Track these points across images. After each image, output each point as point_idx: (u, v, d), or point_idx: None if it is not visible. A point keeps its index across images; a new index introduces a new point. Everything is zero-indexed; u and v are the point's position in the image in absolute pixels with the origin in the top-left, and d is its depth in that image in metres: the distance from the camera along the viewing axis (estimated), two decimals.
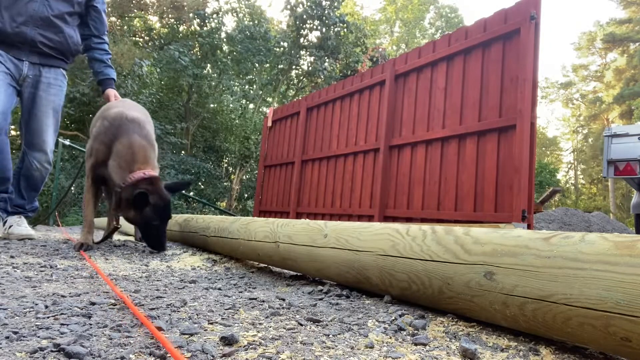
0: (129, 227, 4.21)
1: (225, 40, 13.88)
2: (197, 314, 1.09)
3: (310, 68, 13.93)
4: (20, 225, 2.85)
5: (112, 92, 3.05)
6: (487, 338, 0.99)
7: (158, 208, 2.27)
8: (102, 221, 6.59)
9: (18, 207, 2.92)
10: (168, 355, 0.76)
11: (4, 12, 2.57)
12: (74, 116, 11.59)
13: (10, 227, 2.81)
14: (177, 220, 3.38)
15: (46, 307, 1.08)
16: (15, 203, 2.91)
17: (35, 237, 2.90)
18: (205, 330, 0.94)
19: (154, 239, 2.36)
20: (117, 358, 0.73)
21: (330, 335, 0.94)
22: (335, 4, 12.95)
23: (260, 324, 1.02)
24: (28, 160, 2.82)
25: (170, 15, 13.36)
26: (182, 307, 1.17)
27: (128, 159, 2.31)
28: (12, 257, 1.99)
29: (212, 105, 14.78)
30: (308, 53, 13.88)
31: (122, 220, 2.88)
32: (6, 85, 2.60)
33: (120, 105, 2.65)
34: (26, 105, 2.78)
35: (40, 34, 2.68)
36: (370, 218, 4.76)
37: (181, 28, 14.02)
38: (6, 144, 2.71)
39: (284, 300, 1.32)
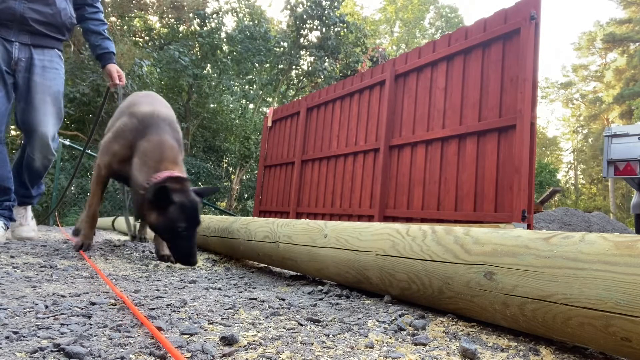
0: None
1: (225, 40, 13.87)
2: (197, 314, 1.09)
3: (310, 68, 13.93)
4: (23, 225, 2.78)
5: (113, 67, 2.81)
6: (487, 338, 0.99)
7: (185, 209, 1.86)
8: (103, 221, 6.59)
9: (24, 197, 2.76)
10: (168, 355, 0.76)
11: None
12: (74, 116, 11.58)
13: (15, 227, 2.76)
14: None
15: (46, 307, 1.08)
16: (20, 193, 2.74)
17: (36, 239, 2.82)
18: (205, 330, 0.94)
19: (182, 248, 1.87)
20: (117, 358, 0.73)
21: (330, 335, 0.94)
22: (335, 4, 12.94)
23: (260, 324, 1.02)
24: (29, 154, 2.59)
25: (170, 15, 13.36)
26: (182, 307, 1.17)
27: (156, 158, 2.01)
28: (12, 257, 1.99)
29: (212, 105, 14.78)
30: (308, 53, 13.88)
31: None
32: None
33: (149, 101, 2.36)
34: (21, 93, 2.51)
35: (30, 8, 2.43)
36: (370, 218, 4.76)
37: (181, 28, 14.01)
38: (4, 153, 2.55)
39: (284, 300, 1.32)
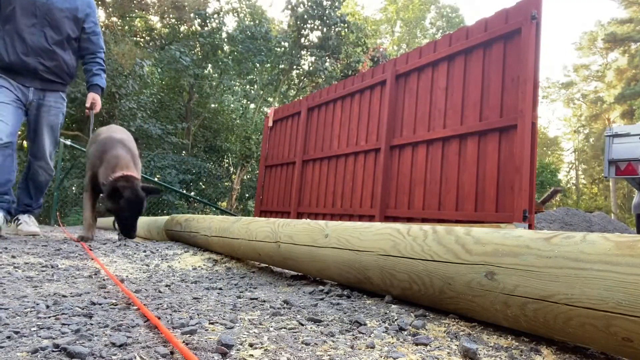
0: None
1: (226, 40, 13.88)
2: (197, 314, 1.09)
3: (311, 68, 13.93)
4: (28, 224, 3.31)
5: (90, 95, 3.41)
6: (488, 338, 0.99)
7: (130, 201, 2.70)
8: (104, 221, 6.61)
9: (27, 205, 3.35)
10: (169, 354, 0.76)
11: (9, 46, 2.99)
12: (75, 116, 11.60)
13: (20, 224, 3.28)
14: (178, 220, 3.38)
15: (47, 307, 1.08)
16: (24, 202, 3.34)
17: (40, 234, 3.33)
18: (206, 330, 0.94)
19: (125, 228, 2.83)
20: (118, 358, 0.74)
21: (331, 335, 0.94)
22: (336, 3, 12.94)
23: (261, 324, 1.02)
24: (33, 168, 3.31)
25: (171, 16, 13.36)
26: (183, 307, 1.17)
27: (113, 164, 2.81)
28: (13, 257, 2.00)
29: (213, 105, 14.79)
30: (309, 53, 13.88)
31: None
32: (16, 108, 3.03)
33: (107, 130, 3.21)
34: (31, 125, 3.25)
35: (40, 63, 3.08)
36: (371, 218, 4.76)
37: (182, 28, 14.02)
38: (13, 157, 3.06)
39: (285, 300, 1.32)
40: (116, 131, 3.22)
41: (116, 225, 3.25)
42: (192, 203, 12.57)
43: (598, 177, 31.46)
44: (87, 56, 3.41)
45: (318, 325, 1.04)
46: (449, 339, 0.95)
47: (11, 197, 3.14)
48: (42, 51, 3.08)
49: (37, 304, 1.09)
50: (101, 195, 3.42)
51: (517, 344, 0.95)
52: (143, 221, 4.71)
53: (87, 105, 3.44)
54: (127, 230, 2.83)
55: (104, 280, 1.57)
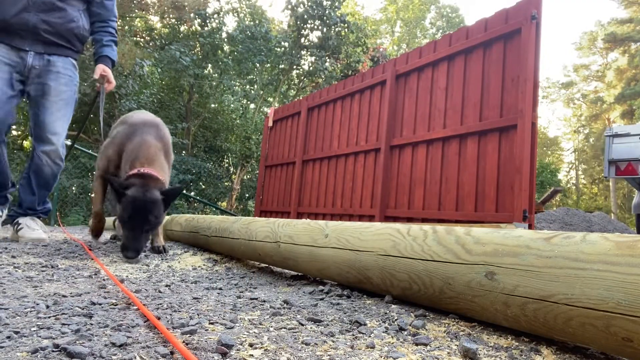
0: None
1: (226, 40, 13.87)
2: (197, 314, 1.09)
3: (311, 68, 13.93)
4: (31, 227, 2.71)
5: (100, 66, 2.79)
6: (488, 338, 0.99)
7: (131, 205, 2.02)
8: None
9: (29, 208, 2.77)
10: (169, 354, 0.76)
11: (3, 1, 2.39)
12: (75, 116, 11.58)
13: (21, 229, 2.67)
14: (178, 220, 3.38)
15: (47, 307, 1.08)
16: (27, 203, 2.75)
17: (47, 240, 2.72)
18: (206, 330, 0.94)
19: (124, 239, 2.06)
20: (118, 358, 0.74)
21: (331, 335, 0.94)
22: (336, 3, 12.93)
23: (261, 324, 1.02)
24: (37, 156, 2.63)
25: (171, 16, 13.36)
26: (183, 307, 1.17)
27: (134, 155, 2.24)
28: (13, 257, 2.00)
29: (213, 105, 14.78)
30: (309, 53, 13.87)
31: None
32: (3, 92, 2.45)
33: (140, 113, 2.72)
34: (34, 98, 2.59)
35: (43, 20, 2.49)
36: (371, 218, 4.76)
37: (182, 28, 14.02)
38: (1, 150, 2.62)
39: (285, 300, 1.32)
40: (149, 114, 2.68)
41: (117, 224, 3.01)
42: (192, 203, 12.58)
43: (598, 177, 31.45)
44: (97, 24, 2.82)
45: (318, 325, 1.04)
46: (449, 339, 0.96)
47: (7, 191, 2.70)
48: (45, 5, 2.47)
49: (37, 304, 1.09)
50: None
51: (517, 344, 0.95)
52: None
53: (96, 76, 2.79)
54: (123, 243, 2.08)
55: (104, 280, 1.57)
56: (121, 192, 2.05)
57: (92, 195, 2.62)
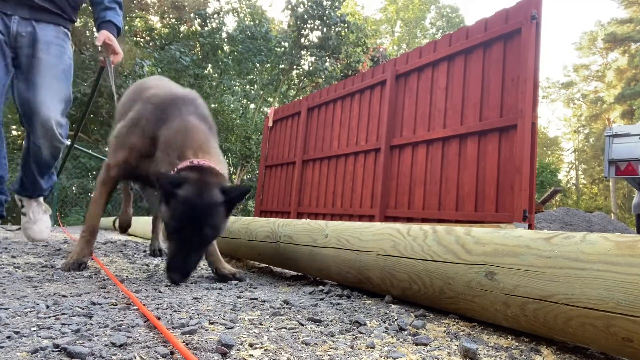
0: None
1: (226, 40, 13.88)
2: (197, 314, 1.09)
3: (311, 68, 13.93)
4: (35, 223, 2.50)
5: (103, 33, 2.34)
6: (488, 338, 0.99)
7: (184, 210, 1.45)
8: (103, 221, 6.60)
9: (33, 189, 2.51)
10: (169, 354, 0.76)
11: None
12: (75, 116, 11.58)
13: (27, 227, 2.51)
14: None
15: (47, 307, 1.08)
16: (29, 186, 2.49)
17: (47, 239, 2.57)
18: (206, 330, 0.94)
19: (170, 255, 1.48)
20: (118, 358, 0.74)
21: (331, 335, 0.94)
22: (336, 3, 12.94)
23: (261, 324, 1.02)
24: (33, 143, 2.26)
25: (171, 16, 13.37)
26: (183, 307, 1.17)
27: (178, 146, 1.62)
28: (13, 257, 2.00)
29: (213, 105, 14.77)
30: (309, 53, 13.88)
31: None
32: None
33: (160, 82, 2.07)
34: (22, 72, 2.22)
35: None
36: (371, 218, 4.75)
37: (182, 28, 14.02)
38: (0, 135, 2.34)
39: (285, 300, 1.32)
40: (177, 86, 2.05)
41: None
42: None
43: (598, 177, 31.44)
44: None
45: (318, 325, 1.04)
46: (449, 339, 0.96)
47: (5, 197, 2.46)
48: None
49: (37, 304, 1.09)
50: (145, 194, 2.46)
51: (517, 344, 0.95)
52: (142, 222, 4.70)
53: (99, 43, 2.32)
54: (170, 261, 1.48)
55: (104, 280, 1.57)
56: (171, 191, 1.46)
57: (91, 204, 1.92)
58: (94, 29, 2.51)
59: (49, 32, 2.27)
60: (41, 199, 2.61)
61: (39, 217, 2.55)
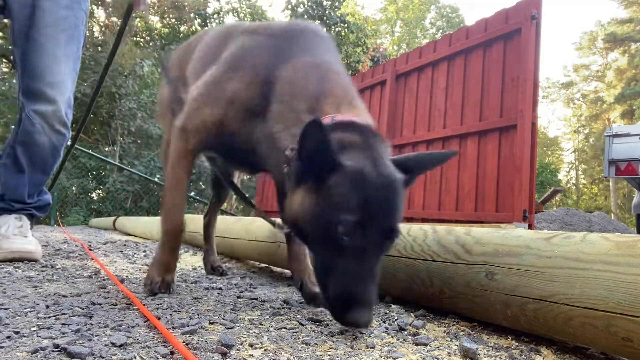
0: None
1: None
2: (197, 314, 1.09)
3: None
4: (15, 236, 1.78)
5: None
6: (488, 338, 0.99)
7: (363, 185, 0.89)
8: (103, 221, 6.56)
9: (15, 200, 1.82)
10: (169, 354, 0.76)
11: None
12: (75, 116, 11.59)
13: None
14: None
15: (47, 307, 1.08)
16: (11, 192, 1.82)
17: (37, 256, 1.84)
18: (206, 330, 0.94)
19: (339, 277, 0.90)
20: (118, 358, 0.74)
21: (332, 335, 0.94)
22: (336, 3, 12.95)
23: (261, 324, 1.02)
24: (28, 119, 1.72)
25: (171, 16, 13.38)
26: (183, 307, 1.17)
27: (309, 95, 1.08)
28: None
29: None
30: None
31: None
32: None
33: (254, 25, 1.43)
34: (20, 28, 1.70)
35: None
36: None
37: (182, 28, 14.03)
38: None
39: (285, 300, 1.32)
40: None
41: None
42: (192, 203, 12.57)
43: (598, 177, 31.44)
44: None
45: (318, 325, 1.04)
46: (449, 339, 0.96)
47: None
48: None
49: (37, 304, 1.09)
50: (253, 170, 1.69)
51: (517, 344, 0.95)
52: (143, 222, 4.70)
53: None
54: (343, 288, 0.89)
55: (104, 280, 1.57)
56: (332, 160, 0.89)
57: (166, 195, 1.36)
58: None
59: None
60: (25, 218, 1.88)
61: (18, 233, 1.81)
